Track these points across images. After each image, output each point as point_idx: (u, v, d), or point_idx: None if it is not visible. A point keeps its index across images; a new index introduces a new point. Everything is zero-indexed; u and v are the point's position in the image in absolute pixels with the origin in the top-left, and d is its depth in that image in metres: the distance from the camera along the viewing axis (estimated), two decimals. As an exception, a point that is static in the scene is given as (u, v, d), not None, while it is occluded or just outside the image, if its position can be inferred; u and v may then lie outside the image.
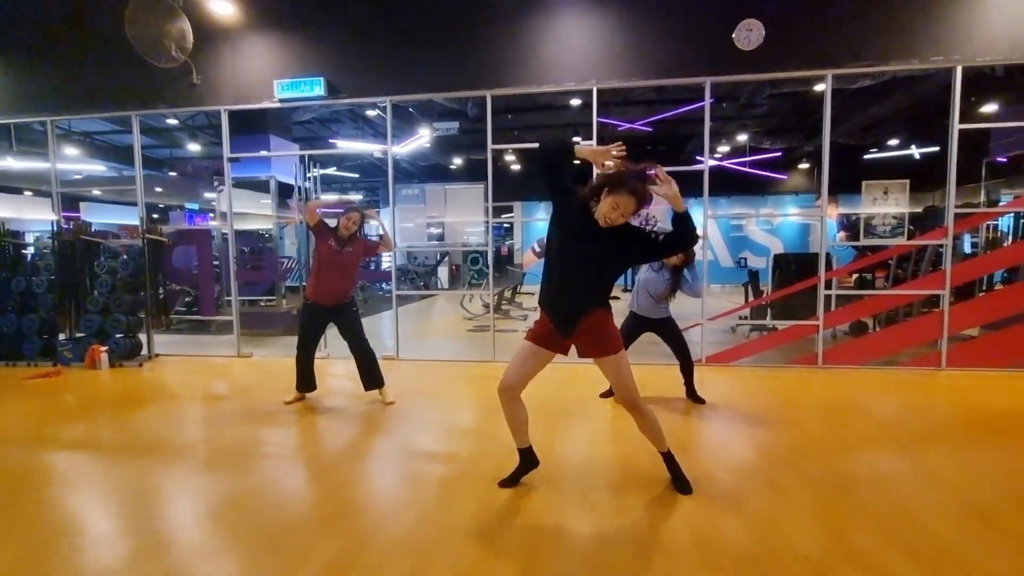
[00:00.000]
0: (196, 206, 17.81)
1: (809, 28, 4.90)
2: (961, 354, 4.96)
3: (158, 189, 16.88)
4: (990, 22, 4.65)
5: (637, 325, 4.01)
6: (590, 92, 5.30)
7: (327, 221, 4.00)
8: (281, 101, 5.70)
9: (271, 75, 5.69)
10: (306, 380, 4.10)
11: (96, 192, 17.49)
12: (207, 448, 3.33)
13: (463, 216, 6.13)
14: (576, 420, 3.71)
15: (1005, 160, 7.80)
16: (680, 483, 2.58)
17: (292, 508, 2.52)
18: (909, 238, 5.28)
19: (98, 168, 13.17)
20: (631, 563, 2.00)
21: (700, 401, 4.01)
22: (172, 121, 10.47)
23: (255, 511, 2.47)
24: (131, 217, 15.30)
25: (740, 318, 6.73)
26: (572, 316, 2.37)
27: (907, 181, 4.88)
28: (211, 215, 18.00)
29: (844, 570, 1.94)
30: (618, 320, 2.64)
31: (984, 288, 6.25)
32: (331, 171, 8.48)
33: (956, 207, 4.85)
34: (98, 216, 16.28)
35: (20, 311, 5.83)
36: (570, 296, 2.38)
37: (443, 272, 16.06)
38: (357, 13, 5.57)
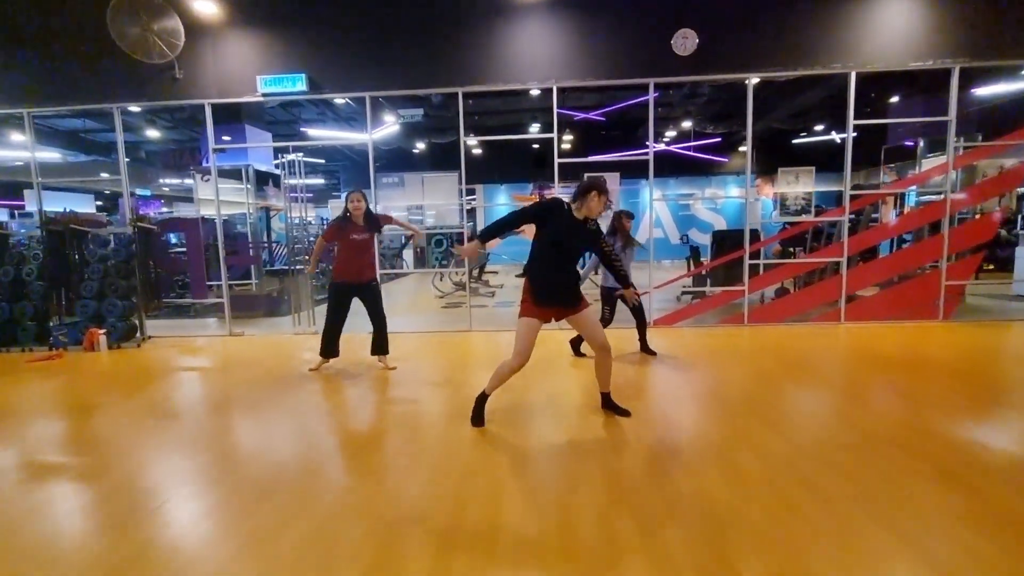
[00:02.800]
0: (148, 192, 17.39)
1: (734, 37, 5.75)
2: (856, 310, 6.06)
3: (104, 175, 16.41)
4: (879, 35, 5.64)
5: (611, 296, 4.81)
6: (551, 90, 5.99)
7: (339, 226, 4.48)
8: (264, 95, 6.09)
9: (254, 70, 6.07)
10: (329, 347, 4.60)
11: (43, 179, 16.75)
12: (250, 405, 3.91)
13: (440, 200, 6.72)
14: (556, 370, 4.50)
15: (912, 145, 9.03)
16: (619, 411, 3.37)
17: (329, 444, 3.19)
18: (817, 215, 6.31)
19: (52, 155, 12.80)
20: (598, 466, 2.81)
21: (652, 353, 4.86)
22: (134, 108, 10.37)
23: (312, 446, 3.13)
24: (79, 204, 14.89)
25: (683, 287, 7.70)
26: (575, 289, 3.16)
27: (812, 168, 5.87)
28: (162, 201, 17.64)
29: (743, 452, 2.80)
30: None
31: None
32: (299, 156, 8.67)
33: (852, 189, 5.89)
34: (46, 204, 15.72)
35: (11, 299, 6.05)
36: (571, 276, 3.16)
37: (408, 254, 16.49)
38: (337, 13, 6.00)
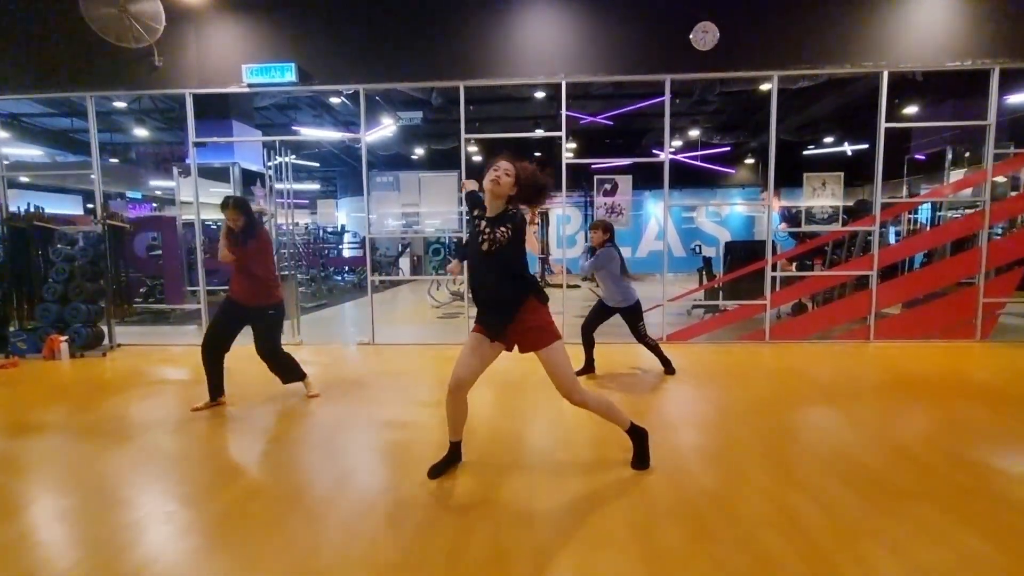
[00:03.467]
0: (139, 194, 16.93)
1: (758, 32, 5.35)
2: (886, 328, 5.59)
3: (93, 176, 15.93)
4: (914, 32, 5.24)
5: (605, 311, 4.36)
6: (558, 85, 5.57)
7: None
8: (250, 86, 5.65)
9: (239, 59, 5.63)
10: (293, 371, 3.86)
11: (24, 179, 16.35)
12: (212, 426, 3.39)
13: (438, 205, 6.27)
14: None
15: (923, 158, 8.66)
16: (640, 460, 2.60)
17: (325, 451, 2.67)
18: (842, 226, 5.87)
19: (35, 153, 12.34)
20: (616, 493, 2.30)
21: (671, 372, 4.36)
22: (120, 105, 9.96)
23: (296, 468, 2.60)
24: (62, 205, 14.40)
25: (695, 301, 7.23)
26: (509, 307, 2.41)
27: (842, 173, 5.44)
28: (154, 205, 17.15)
29: (792, 496, 2.31)
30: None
31: (905, 271, 6.99)
32: (290, 158, 8.21)
33: (882, 199, 5.45)
34: (25, 204, 15.24)
35: (-34, 301, 5.54)
36: (501, 289, 2.43)
37: (404, 262, 16.05)
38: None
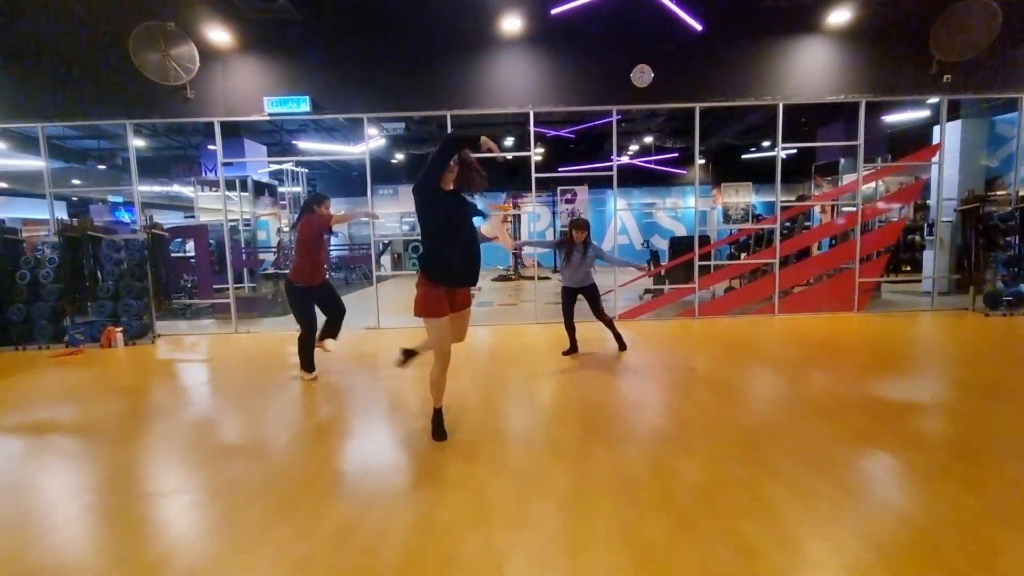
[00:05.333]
0: (120, 199, 17.45)
1: (684, 73, 6.77)
2: (787, 304, 7.13)
3: (76, 181, 16.42)
4: (801, 74, 6.75)
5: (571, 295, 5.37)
6: (527, 113, 6.87)
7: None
8: (271, 115, 6.76)
9: (260, 92, 6.72)
10: (312, 360, 4.61)
11: (2, 185, 16.70)
12: (286, 389, 4.60)
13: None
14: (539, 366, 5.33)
15: (833, 161, 10.33)
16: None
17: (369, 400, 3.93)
18: (755, 223, 7.37)
19: (38, 164, 12.93)
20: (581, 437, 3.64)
21: (623, 348, 5.40)
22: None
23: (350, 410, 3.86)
24: (37, 211, 14.95)
25: (646, 288, 8.67)
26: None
27: (750, 183, 6.92)
28: (134, 208, 17.70)
29: (698, 424, 3.70)
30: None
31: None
32: (301, 170, 9.20)
33: (783, 201, 6.97)
34: (12, 211, 15.67)
35: (28, 300, 6.49)
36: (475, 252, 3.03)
37: (386, 259, 17.13)
38: (338, 41, 6.74)
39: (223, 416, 3.95)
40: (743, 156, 14.48)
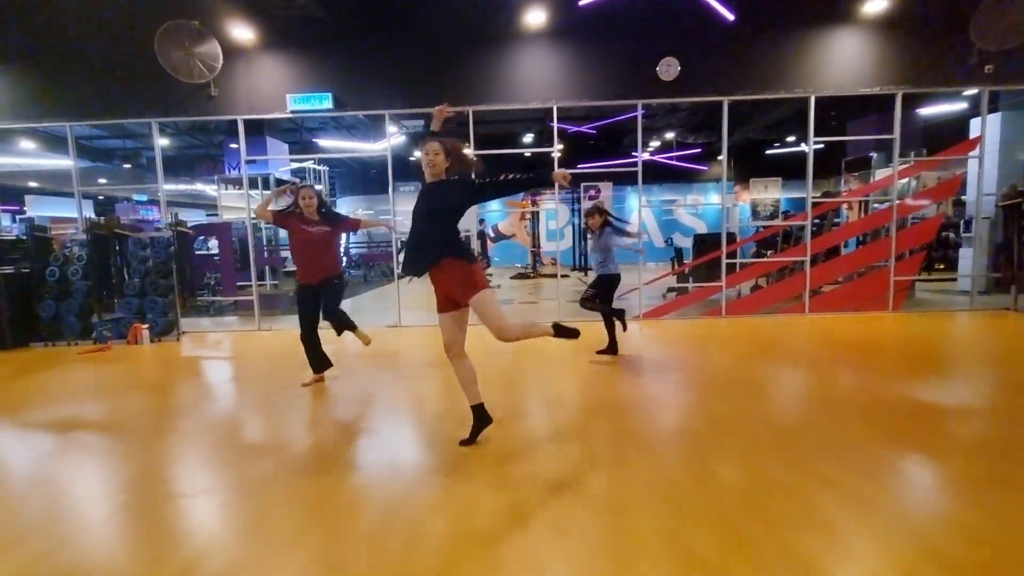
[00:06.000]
0: (144, 197, 17.77)
1: (711, 66, 6.59)
2: (818, 303, 6.92)
3: (102, 180, 16.75)
4: (834, 64, 6.53)
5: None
6: (550, 108, 6.76)
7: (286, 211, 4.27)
8: (293, 112, 6.76)
9: (283, 89, 6.73)
10: (319, 360, 4.30)
11: (32, 184, 17.14)
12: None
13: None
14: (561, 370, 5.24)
15: (864, 156, 10.03)
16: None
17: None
18: (785, 220, 7.16)
19: (66, 163, 13.21)
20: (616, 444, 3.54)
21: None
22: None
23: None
24: (64, 209, 15.25)
25: (669, 286, 8.50)
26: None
27: (780, 179, 6.72)
28: (156, 207, 18.02)
29: (735, 426, 3.57)
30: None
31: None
32: (323, 168, 9.22)
33: (814, 197, 6.76)
34: (40, 210, 16.07)
35: (57, 298, 6.59)
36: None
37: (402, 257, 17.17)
38: (360, 38, 6.70)
39: (248, 414, 3.94)
40: (767, 152, 14.15)
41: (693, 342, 5.72)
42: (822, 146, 13.61)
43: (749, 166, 15.25)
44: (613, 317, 4.88)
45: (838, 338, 5.61)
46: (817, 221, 7.61)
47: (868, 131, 8.75)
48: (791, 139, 14.77)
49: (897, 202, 6.63)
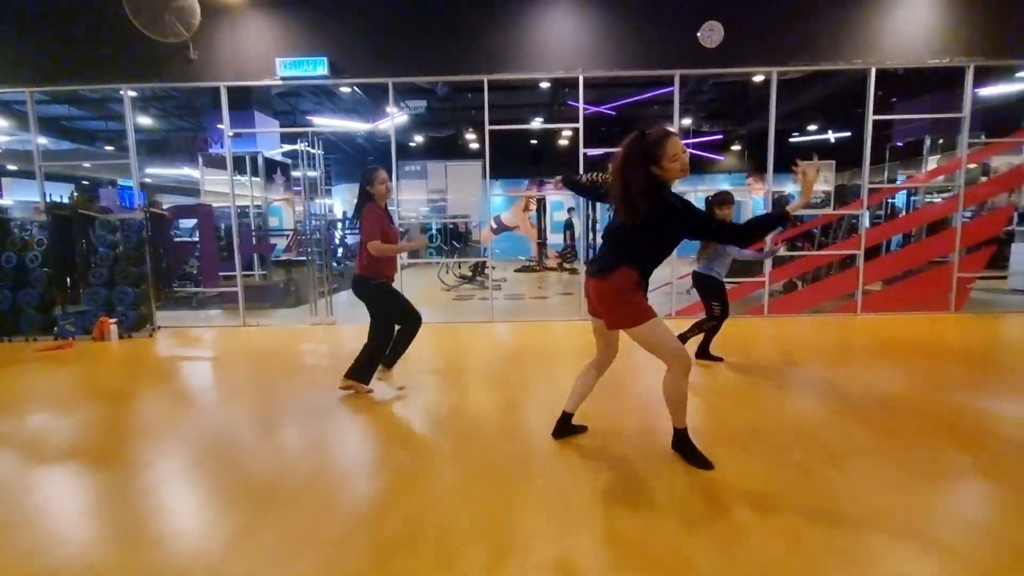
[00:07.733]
0: (131, 182, 16.87)
1: (759, 32, 5.82)
2: (870, 302, 6.20)
3: (87, 164, 15.82)
4: (898, 33, 5.77)
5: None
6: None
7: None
8: (283, 79, 5.94)
9: (272, 52, 5.91)
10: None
11: (11, 167, 16.21)
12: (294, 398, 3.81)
13: (465, 192, 6.68)
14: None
15: (902, 145, 9.30)
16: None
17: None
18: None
19: (41, 141, 12.28)
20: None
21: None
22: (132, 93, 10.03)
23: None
24: (59, 193, 14.33)
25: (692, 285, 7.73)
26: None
27: (833, 161, 5.98)
28: (144, 193, 17.14)
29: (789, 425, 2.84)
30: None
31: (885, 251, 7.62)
32: (317, 150, 8.39)
33: (871, 183, 6.02)
34: (22, 194, 15.14)
35: (14, 287, 5.79)
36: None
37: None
38: (359, -3, 5.89)
39: (229, 433, 3.17)
40: (790, 140, 13.41)
41: (748, 343, 4.99)
42: (848, 134, 12.92)
43: (766, 156, 14.47)
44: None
45: (905, 342, 4.89)
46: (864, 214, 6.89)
47: (923, 111, 7.86)
48: (811, 127, 14.03)
49: (964, 189, 5.90)
